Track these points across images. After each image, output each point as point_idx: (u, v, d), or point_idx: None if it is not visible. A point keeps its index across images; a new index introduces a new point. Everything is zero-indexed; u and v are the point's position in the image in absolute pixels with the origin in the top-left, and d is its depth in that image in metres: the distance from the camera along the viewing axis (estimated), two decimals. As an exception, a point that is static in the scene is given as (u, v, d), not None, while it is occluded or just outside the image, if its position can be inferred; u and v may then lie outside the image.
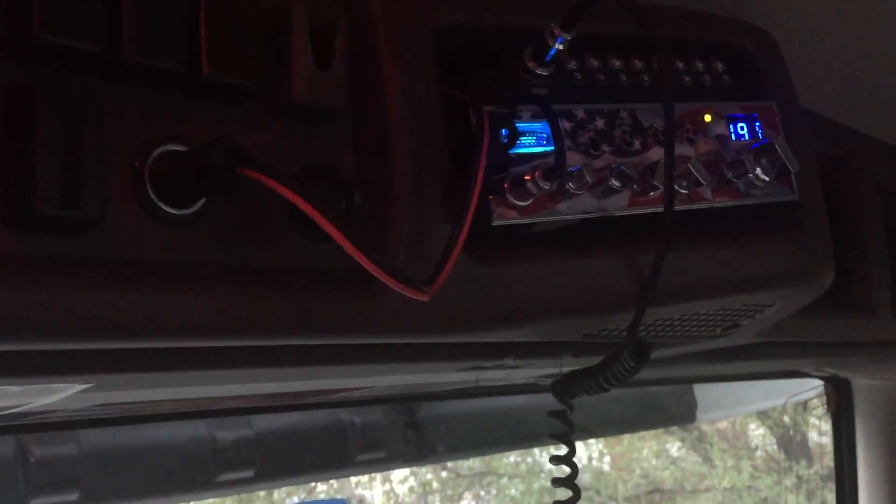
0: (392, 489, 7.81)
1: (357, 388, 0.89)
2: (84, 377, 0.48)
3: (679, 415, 1.97)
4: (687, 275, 0.67)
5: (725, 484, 7.07)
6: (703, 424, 7.81)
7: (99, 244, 0.45)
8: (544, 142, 0.63)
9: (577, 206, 0.63)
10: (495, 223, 0.59)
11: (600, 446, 8.17)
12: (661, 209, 0.65)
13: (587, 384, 0.68)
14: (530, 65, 0.63)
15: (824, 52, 0.89)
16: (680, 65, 0.70)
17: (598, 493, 7.61)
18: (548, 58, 0.63)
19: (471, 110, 0.59)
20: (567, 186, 0.61)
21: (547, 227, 0.63)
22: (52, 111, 0.42)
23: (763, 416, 7.71)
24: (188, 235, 0.48)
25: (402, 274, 0.50)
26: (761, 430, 8.05)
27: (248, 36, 0.49)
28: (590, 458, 8.35)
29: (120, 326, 0.45)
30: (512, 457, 8.04)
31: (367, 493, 7.96)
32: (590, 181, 0.61)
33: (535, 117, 0.63)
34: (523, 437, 1.67)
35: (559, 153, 0.59)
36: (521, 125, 0.62)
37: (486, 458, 7.89)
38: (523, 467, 8.11)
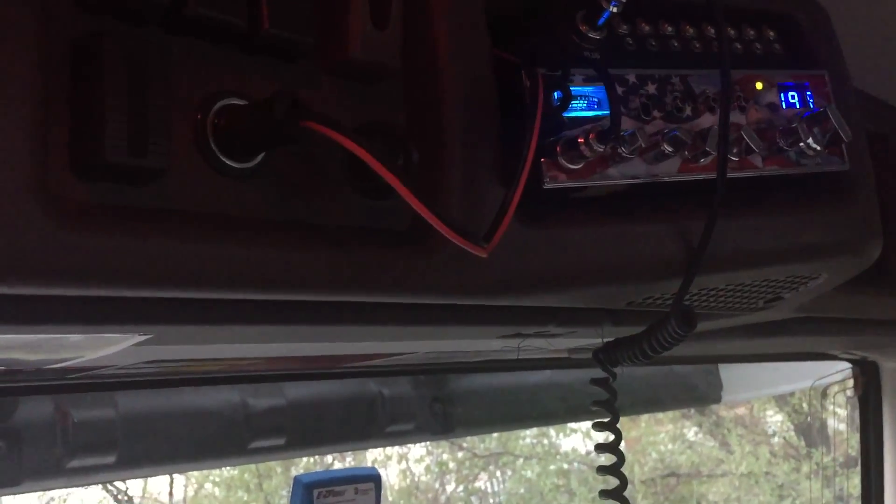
0: (408, 468, 7.86)
1: (392, 355, 0.89)
2: (144, 327, 0.49)
3: (705, 395, 1.97)
4: (735, 243, 0.67)
5: (742, 469, 7.06)
6: (722, 410, 7.79)
7: (161, 195, 0.45)
8: (595, 106, 0.62)
9: (627, 171, 0.62)
10: (547, 186, 0.59)
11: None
12: (711, 176, 0.64)
13: (631, 351, 0.68)
14: (582, 28, 0.63)
15: (863, 23, 0.88)
16: (731, 32, 0.70)
17: (614, 475, 7.63)
18: (600, 21, 0.62)
19: (524, 73, 0.59)
20: (619, 150, 0.61)
21: (597, 191, 0.62)
22: (120, 60, 0.42)
23: (781, 402, 7.67)
24: (246, 189, 0.49)
25: (463, 227, 0.50)
26: (779, 417, 8.02)
27: None
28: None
29: (178, 275, 0.45)
30: (528, 438, 8.07)
31: (381, 472, 8.02)
32: (643, 145, 0.61)
33: (586, 81, 0.63)
34: (549, 413, 1.67)
35: (614, 114, 0.59)
36: (572, 89, 0.61)
37: (503, 438, 7.92)
38: (539, 448, 8.13)
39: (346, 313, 0.57)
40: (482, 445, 8.01)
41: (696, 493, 7.38)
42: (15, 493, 1.05)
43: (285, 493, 7.52)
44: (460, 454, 8.11)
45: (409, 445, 7.74)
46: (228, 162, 0.48)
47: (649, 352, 0.67)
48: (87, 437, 1.07)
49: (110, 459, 1.10)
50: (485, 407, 1.60)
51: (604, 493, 0.72)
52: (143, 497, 7.77)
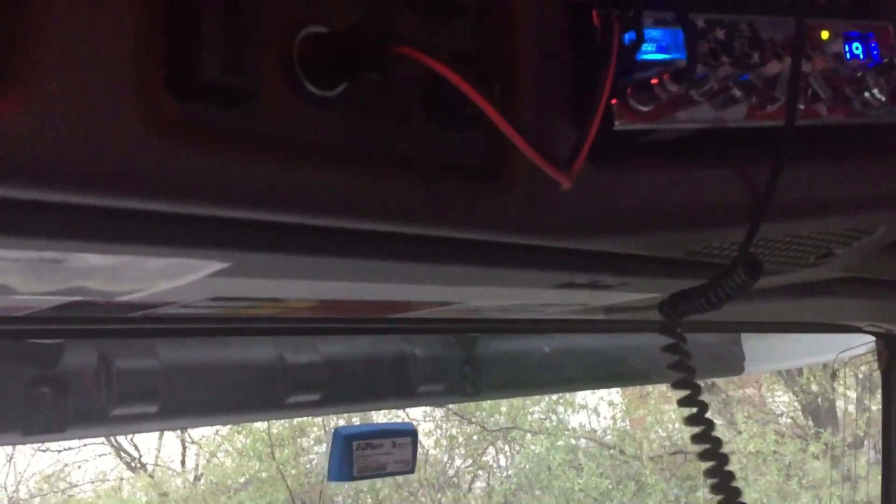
0: (420, 441, 7.91)
1: (438, 305, 0.90)
2: (226, 253, 0.49)
3: (728, 365, 1.97)
4: (798, 192, 0.67)
5: (751, 448, 7.09)
6: (730, 389, 7.81)
7: (249, 117, 0.45)
8: (664, 49, 0.62)
9: (696, 116, 0.62)
10: (617, 128, 0.59)
11: (625, 407, 8.21)
12: (777, 123, 0.64)
13: (697, 302, 0.68)
14: (654, -29, 0.62)
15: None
16: (800, -21, 0.69)
17: (622, 452, 7.68)
18: (673, -36, 0.62)
19: (596, 13, 0.59)
20: (689, 93, 0.60)
21: (664, 135, 0.62)
22: None
23: (790, 382, 7.68)
24: (329, 117, 0.49)
25: (552, 154, 0.50)
26: (787, 397, 8.04)
27: None
28: (614, 419, 8.40)
29: (263, 197, 0.45)
30: (537, 413, 8.11)
31: (390, 445, 8.08)
32: (715, 87, 0.60)
33: (655, 24, 0.62)
34: (576, 379, 1.68)
35: (691, 51, 0.58)
36: (644, 32, 0.61)
37: (512, 413, 7.97)
38: (548, 424, 8.18)
39: (416, 249, 0.57)
40: (491, 420, 8.06)
41: (699, 468, 7.42)
42: (59, 440, 1.06)
43: (301, 460, 7.59)
44: (469, 428, 8.17)
45: (417, 419, 7.78)
46: (313, 89, 0.48)
47: (715, 301, 0.67)
48: (130, 385, 1.08)
49: (152, 409, 1.11)
50: (512, 370, 1.61)
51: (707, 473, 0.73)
52: (156, 465, 7.87)
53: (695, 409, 0.79)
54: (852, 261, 0.86)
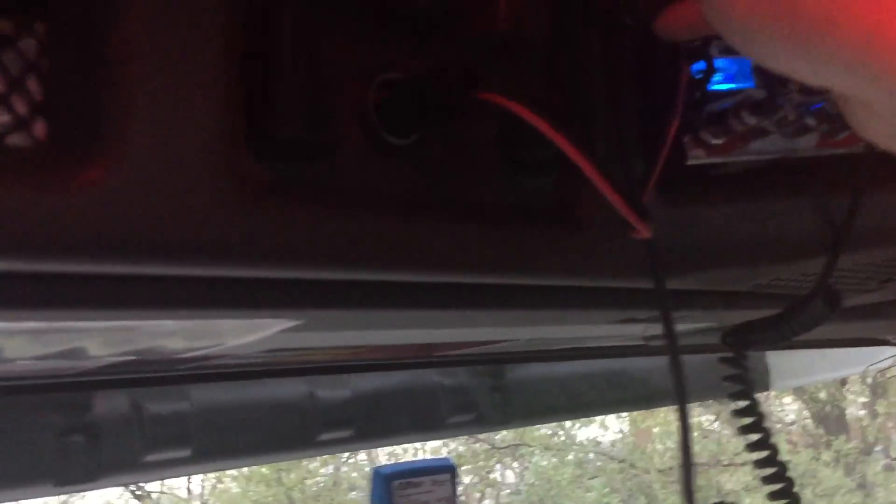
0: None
1: (490, 343, 0.87)
2: (299, 312, 0.47)
3: (753, 383, 1.93)
4: (873, 220, 0.64)
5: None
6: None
7: (327, 172, 0.43)
8: (732, 79, 0.60)
9: (768, 146, 0.60)
10: (690, 162, 0.57)
11: (633, 419, 8.17)
12: (850, 150, 0.62)
13: (767, 334, 0.66)
14: (720, -2, 0.60)
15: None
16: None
17: (632, 465, 7.62)
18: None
19: (660, 45, 0.57)
20: (763, 124, 0.58)
21: (736, 167, 0.60)
22: (296, 31, 0.40)
23: (798, 390, 7.65)
24: (404, 166, 0.46)
25: (639, 205, 0.48)
26: (796, 406, 8.00)
27: None
28: (622, 431, 8.36)
29: (347, 255, 0.43)
30: (545, 429, 8.07)
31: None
32: (790, 117, 0.58)
33: (721, 53, 0.60)
34: (607, 402, 1.65)
35: (772, 84, 0.56)
36: (712, 60, 0.59)
37: (520, 430, 7.92)
38: (556, 439, 8.13)
39: (489, 296, 0.55)
40: (499, 437, 8.01)
41: (714, 482, 7.37)
42: (92, 489, 1.03)
43: (308, 483, 7.53)
44: (476, 445, 8.12)
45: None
46: (389, 138, 0.46)
47: (787, 334, 0.65)
48: (162, 430, 1.05)
49: (185, 453, 1.08)
50: (542, 396, 1.58)
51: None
52: (161, 492, 7.80)
53: (759, 435, 0.76)
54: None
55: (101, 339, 0.43)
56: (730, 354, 0.72)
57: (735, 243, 0.61)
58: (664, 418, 7.85)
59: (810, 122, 0.60)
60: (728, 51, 0.60)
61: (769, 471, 0.75)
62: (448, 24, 0.48)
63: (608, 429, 8.39)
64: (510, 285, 0.53)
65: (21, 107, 0.32)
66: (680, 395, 0.61)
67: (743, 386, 0.70)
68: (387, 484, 1.02)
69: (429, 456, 8.08)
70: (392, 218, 0.45)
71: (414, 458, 7.84)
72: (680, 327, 0.90)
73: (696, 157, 0.57)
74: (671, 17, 0.50)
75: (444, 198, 0.48)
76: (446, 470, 1.09)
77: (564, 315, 0.65)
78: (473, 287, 0.51)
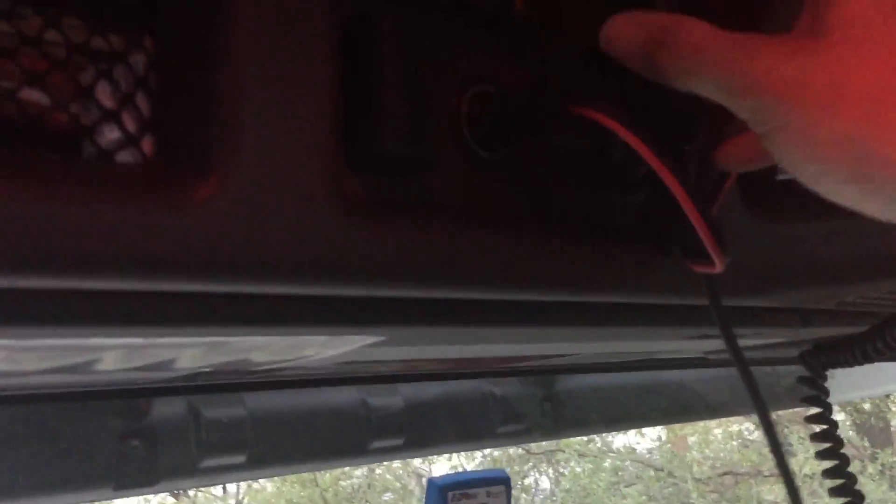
0: (460, 464, 7.85)
1: (553, 356, 0.86)
2: (384, 329, 0.46)
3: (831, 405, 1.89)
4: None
5: (806, 471, 6.91)
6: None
7: (424, 187, 0.42)
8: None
9: (860, 161, 0.58)
10: (780, 177, 0.55)
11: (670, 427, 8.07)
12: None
13: (850, 354, 0.64)
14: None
15: None
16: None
17: (670, 474, 7.54)
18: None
19: None
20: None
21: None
22: (397, 42, 0.39)
23: (843, 402, 7.50)
24: (496, 181, 0.45)
25: (722, 237, 0.46)
26: (840, 416, 7.84)
27: None
28: (659, 438, 8.27)
29: (442, 272, 0.42)
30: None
31: (429, 468, 8.02)
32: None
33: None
34: (657, 413, 1.63)
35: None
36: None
37: (556, 435, 7.87)
38: (592, 447, 8.07)
39: (574, 314, 0.54)
40: (533, 444, 7.97)
41: (754, 492, 7.26)
42: (150, 493, 1.04)
43: (342, 485, 7.56)
44: (512, 450, 8.09)
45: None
46: (481, 152, 0.45)
47: (872, 355, 0.62)
48: (219, 436, 1.05)
49: (240, 459, 1.08)
50: (593, 406, 1.56)
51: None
52: (198, 490, 7.87)
53: (836, 462, 0.74)
54: None
55: (193, 352, 0.42)
56: (808, 374, 0.70)
57: (823, 261, 0.59)
58: (703, 427, 7.74)
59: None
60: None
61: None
62: (543, 33, 0.46)
63: (645, 436, 8.30)
64: (591, 303, 0.52)
65: (130, 123, 0.31)
66: (761, 410, 0.59)
67: (822, 409, 0.68)
68: (442, 494, 1.01)
69: (463, 460, 8.05)
70: (482, 234, 0.44)
71: (448, 462, 7.82)
72: (755, 342, 0.88)
73: (788, 172, 0.55)
74: (730, 149, 0.48)
75: (534, 214, 0.46)
76: (501, 482, 1.08)
77: (638, 332, 0.64)
78: (556, 304, 0.50)
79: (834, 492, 0.70)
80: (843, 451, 0.72)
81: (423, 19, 0.42)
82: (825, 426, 0.70)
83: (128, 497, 1.04)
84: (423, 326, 0.46)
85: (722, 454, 7.84)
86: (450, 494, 1.02)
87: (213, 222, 0.32)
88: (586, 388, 1.57)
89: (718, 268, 0.46)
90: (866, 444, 7.27)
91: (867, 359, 0.64)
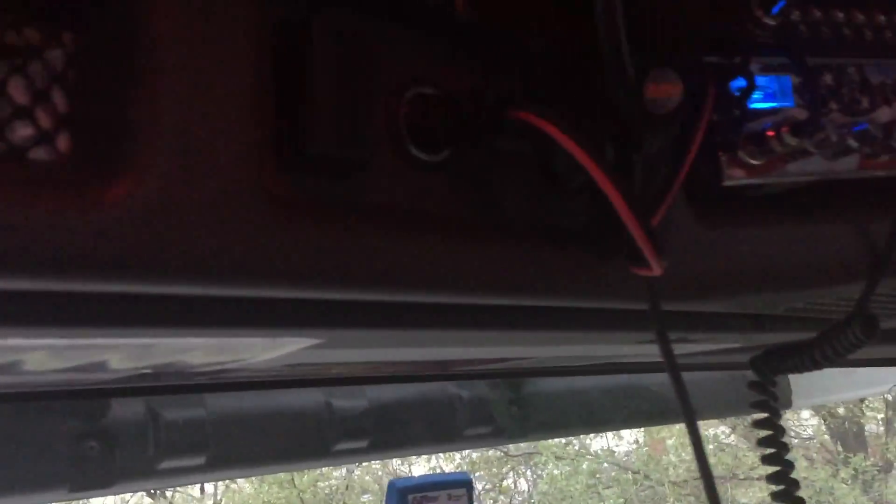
0: (439, 465, 7.84)
1: (507, 360, 0.86)
2: (320, 331, 0.45)
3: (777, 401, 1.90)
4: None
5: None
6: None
7: (358, 188, 0.42)
8: (772, 97, 0.58)
9: (807, 168, 0.58)
10: (727, 183, 0.55)
11: (647, 430, 8.10)
12: (892, 173, 0.60)
13: (799, 360, 0.64)
14: (758, 13, 0.58)
15: None
16: (909, 18, 0.65)
17: (647, 476, 7.56)
18: (776, 8, 0.58)
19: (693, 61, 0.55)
20: (803, 145, 0.56)
21: (775, 188, 0.58)
22: (330, 44, 0.38)
23: (817, 406, 7.56)
24: (435, 183, 0.45)
25: (660, 243, 0.46)
26: (815, 421, 7.90)
27: None
28: (637, 441, 8.30)
29: (376, 274, 0.41)
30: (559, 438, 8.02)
31: (408, 469, 8.00)
32: (826, 141, 0.56)
33: (762, 70, 0.58)
34: (626, 417, 1.63)
35: (815, 104, 0.54)
36: (751, 79, 0.57)
37: (534, 438, 7.88)
38: (570, 449, 8.08)
39: (515, 317, 0.53)
40: (512, 445, 7.97)
41: (730, 495, 7.30)
42: (106, 495, 1.03)
43: (320, 485, 7.52)
44: (490, 452, 8.08)
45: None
46: (419, 154, 0.44)
47: (821, 361, 0.63)
48: (178, 437, 1.04)
49: (200, 461, 1.07)
50: (560, 410, 1.56)
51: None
52: (175, 490, 7.81)
53: (779, 468, 0.74)
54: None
55: (122, 354, 0.41)
56: (757, 379, 0.70)
57: (770, 267, 0.59)
58: (680, 430, 7.78)
59: (852, 143, 0.58)
60: (769, 68, 0.59)
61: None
62: (486, 35, 0.46)
63: (622, 439, 8.33)
64: (534, 306, 0.51)
65: (45, 120, 0.31)
66: (688, 415, 0.59)
67: (768, 414, 0.68)
68: (402, 497, 1.01)
69: (442, 462, 8.03)
70: (418, 236, 0.44)
71: (428, 463, 7.79)
72: (710, 347, 0.89)
73: (734, 178, 0.56)
74: None
75: (475, 217, 0.46)
76: (462, 484, 1.07)
77: (586, 336, 0.64)
78: (497, 308, 0.50)
79: (776, 497, 0.70)
80: (787, 457, 0.72)
81: (360, 20, 0.42)
82: (771, 432, 0.70)
83: (84, 498, 1.02)
84: (359, 329, 0.45)
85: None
86: (410, 497, 1.02)
87: (129, 221, 0.31)
88: (554, 391, 1.57)
89: (656, 271, 0.46)
90: (840, 448, 7.33)
91: (816, 365, 0.65)
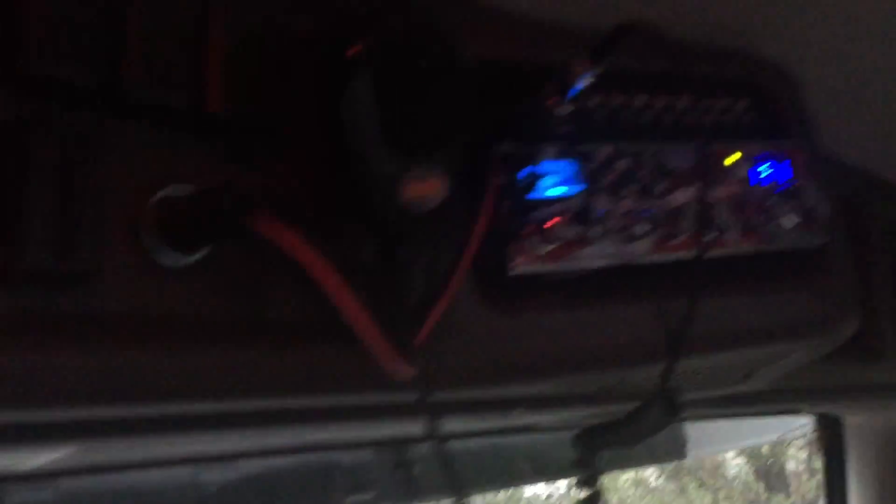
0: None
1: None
2: (69, 444, 0.44)
3: (669, 452, 1.93)
4: (714, 324, 0.64)
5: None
6: (682, 453, 7.76)
7: (95, 296, 0.40)
8: (567, 183, 0.59)
9: (599, 253, 0.59)
10: (512, 273, 0.56)
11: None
12: (686, 255, 0.61)
13: (612, 439, 0.64)
14: (553, 100, 0.60)
15: (830, 88, 0.87)
16: (705, 103, 0.67)
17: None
18: (572, 93, 0.59)
19: (481, 149, 0.56)
20: (591, 232, 0.57)
21: (568, 275, 0.59)
22: (45, 151, 0.37)
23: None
24: (189, 286, 0.44)
25: (401, 346, 0.46)
26: (740, 460, 8.02)
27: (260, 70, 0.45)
28: (569, 487, 8.29)
29: (113, 389, 0.40)
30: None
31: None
32: (613, 228, 0.58)
33: (558, 156, 0.59)
34: (518, 474, 1.62)
35: (586, 196, 0.56)
36: (543, 165, 0.58)
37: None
38: (502, 496, 8.03)
39: (290, 414, 0.52)
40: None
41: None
42: None
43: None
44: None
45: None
46: (168, 257, 0.43)
47: (631, 440, 0.63)
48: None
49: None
50: (454, 469, 1.54)
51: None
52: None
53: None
54: (775, 376, 0.84)
55: None
56: (579, 456, 0.70)
57: (572, 349, 0.60)
58: (612, 474, 7.81)
59: (641, 229, 0.60)
60: (564, 154, 0.60)
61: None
62: (239, 135, 0.46)
63: (556, 484, 8.31)
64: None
65: None
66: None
67: (593, 490, 0.68)
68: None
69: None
70: (174, 343, 0.43)
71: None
72: (534, 420, 0.89)
73: (522, 267, 0.56)
74: None
75: (231, 318, 0.45)
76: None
77: (386, 424, 0.63)
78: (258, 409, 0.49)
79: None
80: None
81: (94, 121, 0.41)
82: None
83: None
84: (105, 439, 0.44)
85: (628, 500, 7.90)
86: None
87: None
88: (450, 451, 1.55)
89: (405, 374, 0.46)
90: (762, 489, 7.45)
91: (628, 444, 0.65)
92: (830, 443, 1.91)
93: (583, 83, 0.57)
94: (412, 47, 0.43)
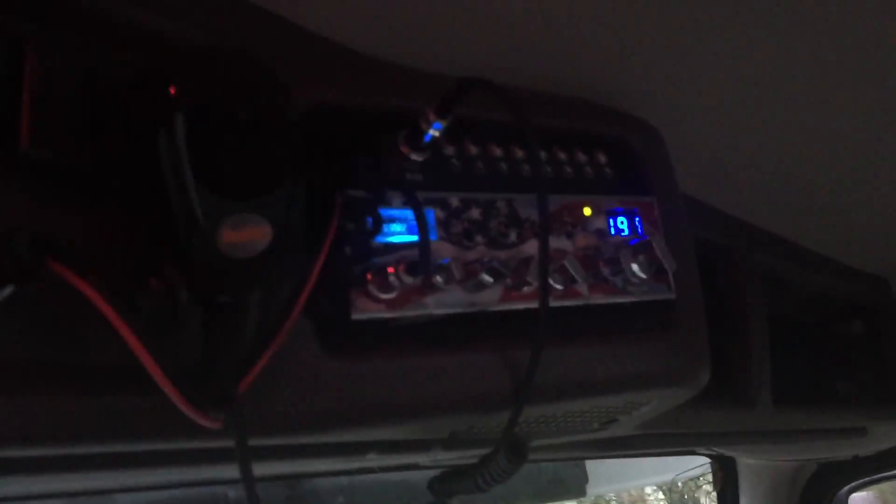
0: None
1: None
2: None
3: (570, 489, 1.95)
4: (562, 373, 0.64)
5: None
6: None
7: None
8: (414, 231, 0.59)
9: (446, 301, 0.59)
10: (355, 317, 0.55)
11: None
12: (535, 305, 0.62)
13: (465, 485, 0.64)
14: (404, 149, 0.60)
15: (707, 140, 0.90)
16: (562, 155, 0.69)
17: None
18: (422, 143, 0.60)
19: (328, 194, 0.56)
20: (435, 280, 0.58)
21: (413, 321, 0.59)
22: None
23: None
24: None
25: (196, 399, 0.45)
26: (660, 494, 8.13)
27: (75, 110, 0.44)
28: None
29: None
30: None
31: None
32: (458, 276, 0.58)
33: (406, 204, 0.60)
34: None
35: (423, 247, 0.56)
36: (390, 212, 0.58)
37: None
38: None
39: (110, 458, 0.51)
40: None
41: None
42: None
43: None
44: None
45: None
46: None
47: (483, 486, 0.63)
48: None
49: None
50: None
51: None
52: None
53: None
54: (642, 421, 0.85)
55: None
56: (435, 501, 0.70)
57: (418, 396, 0.59)
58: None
59: (486, 278, 0.60)
60: (412, 201, 0.60)
61: None
62: (62, 174, 0.45)
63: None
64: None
65: None
66: None
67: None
68: None
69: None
70: None
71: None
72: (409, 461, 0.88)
73: (363, 312, 0.56)
74: None
75: (34, 361, 0.44)
76: None
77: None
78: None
79: None
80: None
81: None
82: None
83: None
84: None
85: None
86: None
87: None
88: (339, 485, 1.53)
89: (208, 424, 0.45)
90: (678, 522, 7.55)
91: (480, 489, 0.65)
92: (725, 481, 1.96)
93: (431, 133, 0.57)
94: (230, 94, 0.43)
